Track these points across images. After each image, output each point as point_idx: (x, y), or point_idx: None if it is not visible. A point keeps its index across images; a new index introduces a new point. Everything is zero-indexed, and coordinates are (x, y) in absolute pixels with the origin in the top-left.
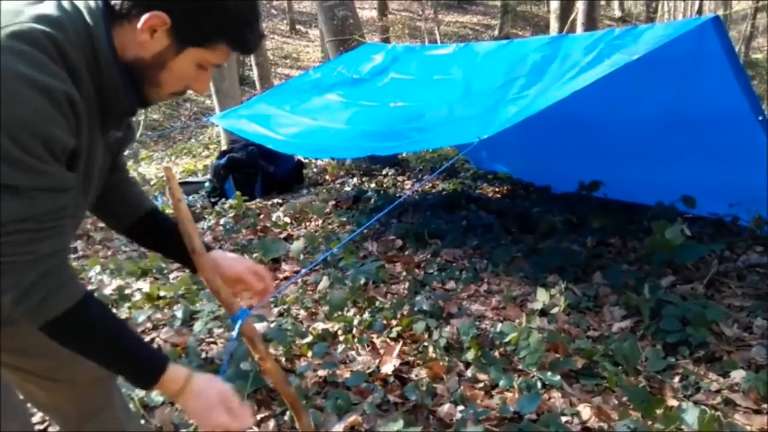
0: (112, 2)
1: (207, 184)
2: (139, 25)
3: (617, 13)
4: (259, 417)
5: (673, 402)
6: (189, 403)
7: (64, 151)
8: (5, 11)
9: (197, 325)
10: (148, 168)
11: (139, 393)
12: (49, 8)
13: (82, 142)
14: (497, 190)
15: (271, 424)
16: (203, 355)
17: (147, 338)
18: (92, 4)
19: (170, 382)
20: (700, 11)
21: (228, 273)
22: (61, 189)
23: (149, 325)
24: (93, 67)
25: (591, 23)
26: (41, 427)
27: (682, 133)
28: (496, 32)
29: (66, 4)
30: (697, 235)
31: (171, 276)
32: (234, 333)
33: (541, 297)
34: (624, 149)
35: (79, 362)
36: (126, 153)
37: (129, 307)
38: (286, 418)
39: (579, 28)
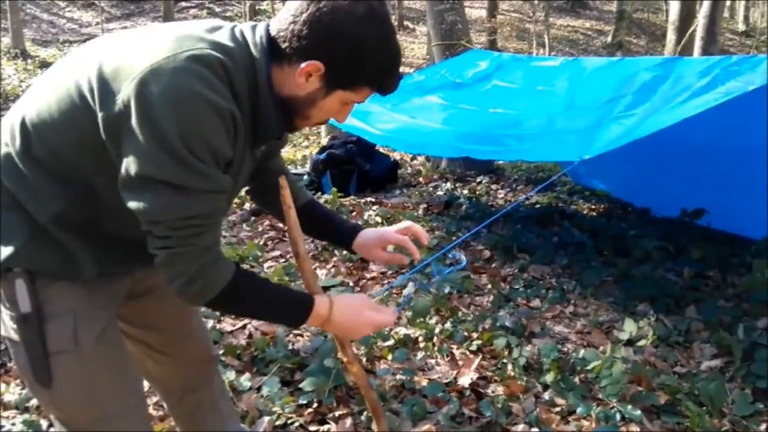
0: (280, 44)
1: (305, 177)
2: (299, 70)
3: (741, 27)
4: (337, 414)
5: None
6: (339, 320)
7: (225, 159)
8: (190, 36)
9: None
10: None
11: (230, 376)
12: (224, 38)
13: (236, 152)
14: (593, 207)
15: (348, 422)
16: (290, 346)
17: (239, 324)
18: (258, 40)
19: (319, 313)
20: None
21: (377, 242)
22: (221, 191)
23: None
24: (253, 94)
25: (711, 37)
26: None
27: None
28: (609, 38)
29: (238, 35)
30: None
31: (266, 265)
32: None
33: (629, 328)
34: (732, 178)
35: (187, 342)
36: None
37: None
38: (363, 418)
39: (698, 42)
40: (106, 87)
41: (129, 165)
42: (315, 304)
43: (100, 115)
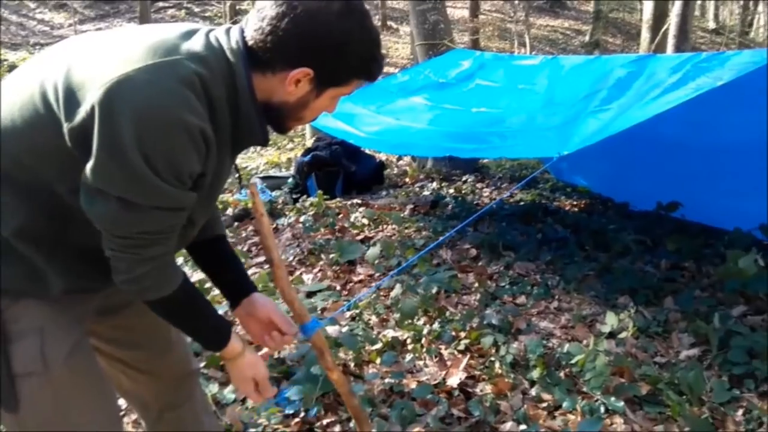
0: (259, 52)
1: (290, 180)
2: (287, 80)
3: (711, 25)
4: (325, 422)
5: None
6: (236, 368)
7: (191, 176)
8: (163, 44)
9: None
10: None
11: (213, 389)
12: (199, 45)
13: (209, 167)
14: (575, 203)
15: (337, 429)
16: (275, 354)
17: None
18: (234, 45)
19: (231, 350)
20: None
21: (261, 313)
22: (179, 209)
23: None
24: (233, 101)
25: (683, 35)
26: None
27: (764, 160)
28: (587, 38)
29: (213, 41)
30: None
31: (250, 272)
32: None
33: (610, 321)
34: (706, 172)
35: (166, 357)
36: None
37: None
38: (351, 424)
39: (671, 40)
40: (72, 95)
41: (87, 171)
42: (230, 342)
43: (65, 124)
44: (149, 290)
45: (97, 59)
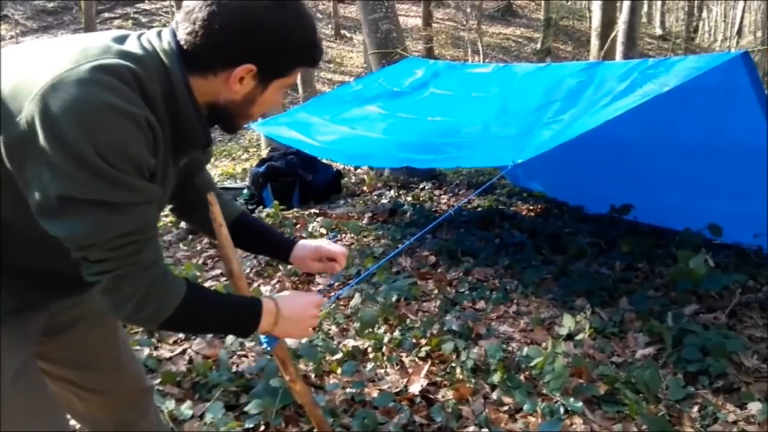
0: (195, 54)
1: (245, 191)
2: (231, 79)
3: (658, 32)
4: None
5: None
6: (287, 313)
7: (148, 168)
8: (96, 47)
9: (229, 338)
10: None
11: (170, 406)
12: (132, 47)
13: (159, 162)
14: (531, 208)
15: None
16: (234, 368)
17: (179, 349)
18: (166, 46)
19: (269, 310)
20: (740, 30)
21: (312, 252)
22: (150, 201)
23: (181, 335)
24: (170, 101)
25: (631, 42)
26: None
27: (710, 161)
28: (539, 45)
29: (146, 44)
30: (722, 263)
31: (206, 285)
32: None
33: (568, 323)
34: (655, 174)
35: (118, 376)
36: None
37: None
38: None
39: (619, 47)
40: (4, 107)
41: (45, 188)
42: (263, 312)
43: (1, 138)
44: (161, 308)
45: (27, 68)
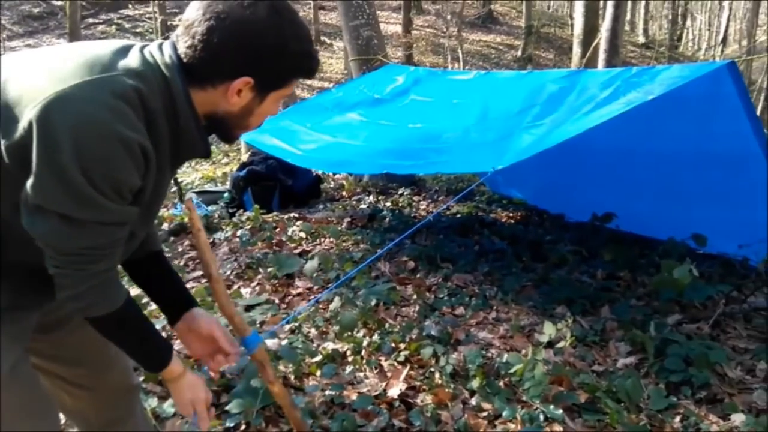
0: (195, 67)
1: (226, 194)
2: (229, 91)
3: (641, 39)
4: None
5: None
6: (177, 390)
7: (131, 191)
8: (99, 61)
9: None
10: None
11: (152, 403)
12: (134, 61)
13: (149, 181)
14: (511, 215)
15: None
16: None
17: None
18: (167, 60)
19: (170, 371)
20: (725, 39)
21: (202, 329)
22: (121, 223)
23: (164, 334)
24: (171, 114)
25: (613, 50)
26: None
27: (695, 170)
28: (519, 52)
29: (148, 57)
30: (706, 273)
31: (187, 286)
32: (245, 353)
33: (548, 330)
34: (639, 182)
35: (107, 373)
36: None
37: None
38: None
39: (601, 54)
40: (8, 112)
41: (27, 188)
42: (171, 363)
43: (2, 141)
44: (93, 306)
45: (32, 76)
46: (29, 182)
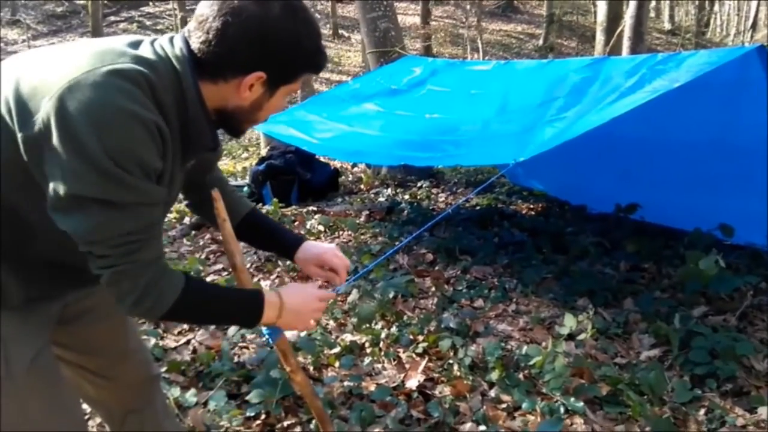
0: (207, 62)
1: (245, 188)
2: (241, 86)
3: (667, 26)
4: (285, 424)
5: None
6: (291, 305)
7: (155, 171)
8: (110, 51)
9: (231, 330)
10: None
11: (175, 393)
12: (146, 52)
13: (167, 166)
14: (532, 207)
15: (297, 430)
16: (235, 359)
17: (183, 339)
18: (178, 53)
19: (271, 302)
20: (755, 24)
21: (315, 259)
22: (155, 203)
23: (185, 326)
24: (181, 106)
25: (638, 37)
26: None
27: (723, 160)
28: (541, 41)
29: (158, 49)
30: (733, 265)
31: (208, 280)
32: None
33: (569, 322)
34: (664, 172)
35: (126, 363)
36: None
37: None
38: (311, 426)
39: (626, 42)
40: (24, 106)
41: (57, 186)
42: (266, 304)
43: (19, 135)
44: (159, 301)
45: (46, 69)
46: (59, 177)
